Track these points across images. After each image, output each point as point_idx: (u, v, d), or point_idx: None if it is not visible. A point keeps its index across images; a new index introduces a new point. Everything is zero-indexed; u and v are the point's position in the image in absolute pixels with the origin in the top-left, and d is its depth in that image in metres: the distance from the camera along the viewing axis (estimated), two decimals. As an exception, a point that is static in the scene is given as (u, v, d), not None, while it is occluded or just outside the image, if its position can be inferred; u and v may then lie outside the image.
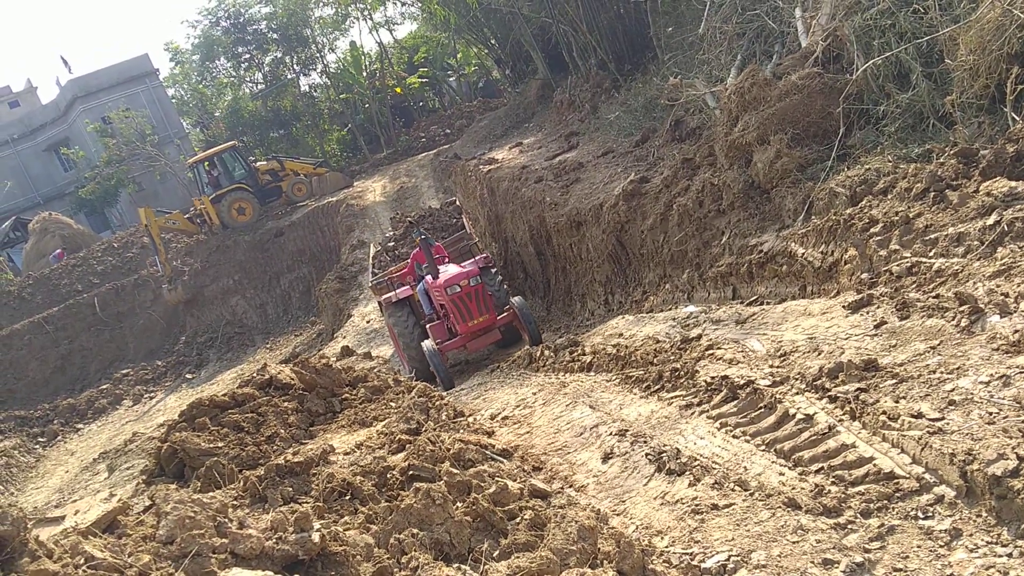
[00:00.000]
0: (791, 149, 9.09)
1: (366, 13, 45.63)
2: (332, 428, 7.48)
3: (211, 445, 6.88)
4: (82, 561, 2.54)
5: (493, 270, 14.61)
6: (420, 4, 34.34)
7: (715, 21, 12.51)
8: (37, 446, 23.74)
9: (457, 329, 13.06)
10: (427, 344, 12.87)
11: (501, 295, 14.01)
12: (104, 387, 27.46)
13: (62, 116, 52.37)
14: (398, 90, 46.78)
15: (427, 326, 13.85)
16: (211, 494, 3.71)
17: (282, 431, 7.38)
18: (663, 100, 14.08)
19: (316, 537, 3.20)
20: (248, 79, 48.89)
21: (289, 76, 47.58)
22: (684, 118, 13.27)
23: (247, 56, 46.48)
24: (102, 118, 45.29)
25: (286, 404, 7.70)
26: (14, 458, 22.09)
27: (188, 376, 27.54)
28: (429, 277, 13.88)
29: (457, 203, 20.23)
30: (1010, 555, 3.23)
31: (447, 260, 14.71)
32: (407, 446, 6.16)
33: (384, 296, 14.72)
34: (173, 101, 51.37)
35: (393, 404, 7.49)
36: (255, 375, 8.12)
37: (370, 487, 5.43)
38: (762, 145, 9.40)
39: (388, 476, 5.64)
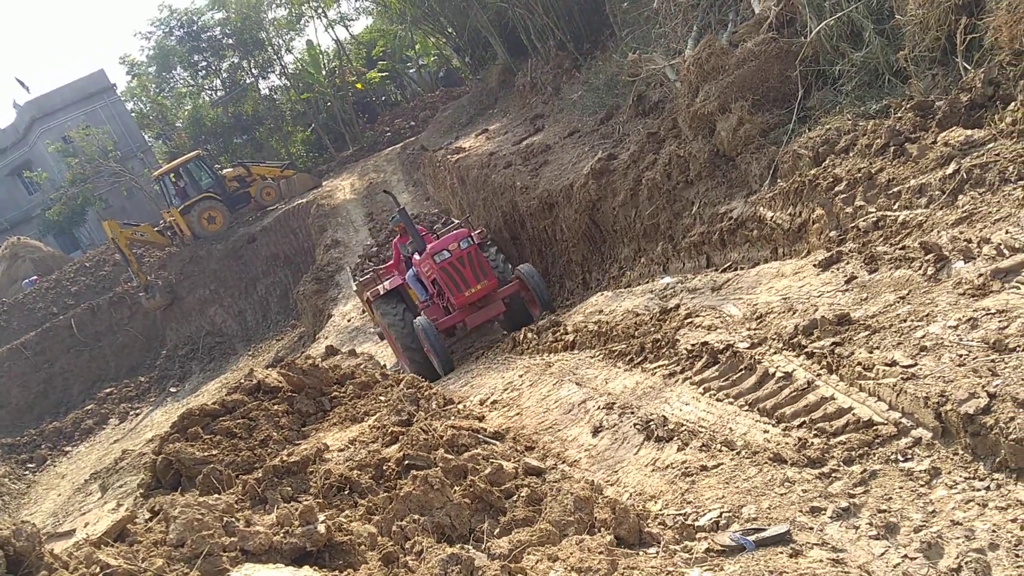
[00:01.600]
0: (752, 115, 9.22)
1: (320, 11, 45.37)
2: (324, 427, 7.56)
3: (206, 453, 6.95)
4: (98, 570, 2.62)
5: (493, 248, 14.05)
6: (374, -2, 34.12)
7: (669, -6, 12.61)
8: (27, 472, 23.65)
9: (453, 302, 11.93)
10: (420, 320, 11.67)
11: (505, 272, 13.17)
12: (89, 408, 27.36)
13: (22, 139, 51.70)
14: (359, 86, 46.55)
15: (424, 312, 12.68)
16: (216, 496, 3.80)
17: (275, 434, 7.45)
18: (624, 76, 14.18)
19: (322, 528, 3.31)
20: (207, 87, 48.46)
21: (248, 80, 47.23)
22: (646, 93, 13.37)
23: (204, 64, 46.07)
24: (63, 137, 44.79)
25: (276, 407, 7.78)
26: (5, 486, 22.01)
27: (172, 389, 27.48)
28: (416, 256, 12.80)
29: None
30: (987, 488, 3.37)
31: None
32: (400, 437, 6.26)
33: (371, 291, 13.57)
34: (133, 115, 50.84)
35: (383, 398, 7.58)
36: (243, 381, 8.18)
37: (367, 480, 5.53)
38: (724, 114, 9.52)
39: (384, 468, 5.75)
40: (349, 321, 20.87)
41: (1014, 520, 3.15)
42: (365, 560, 3.32)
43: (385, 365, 12.33)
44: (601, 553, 3.12)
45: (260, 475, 5.38)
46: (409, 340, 12.12)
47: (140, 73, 47.40)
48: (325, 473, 5.52)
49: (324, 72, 45.60)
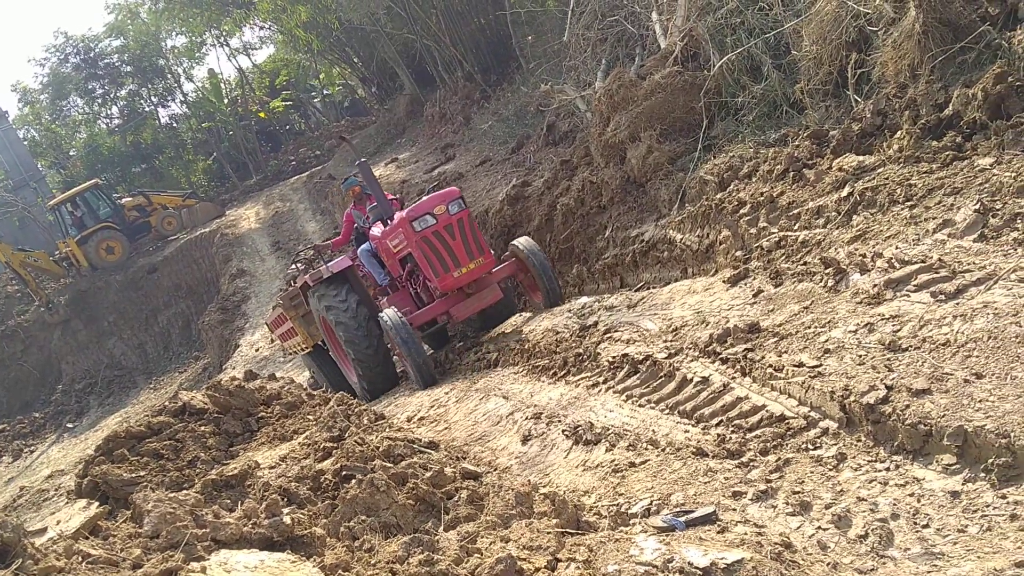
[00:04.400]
0: (661, 144, 9.76)
1: (222, 40, 44.97)
2: (252, 446, 7.62)
3: (134, 475, 6.93)
4: (80, 560, 2.76)
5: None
6: (280, 28, 34.08)
7: (578, 29, 13.16)
8: (-88, 515, 22.49)
9: (436, 286, 9.16)
10: (388, 315, 8.85)
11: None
12: (-21, 446, 26.25)
13: (-92, 170, 49.37)
14: (262, 115, 46.21)
15: (382, 302, 10.09)
16: (184, 492, 3.93)
17: (202, 454, 7.47)
18: (534, 107, 14.68)
19: (288, 519, 3.49)
20: (103, 115, 47.39)
21: (147, 108, 46.36)
22: (556, 123, 13.87)
23: (101, 91, 45.06)
24: (-49, 167, 43.10)
25: (203, 428, 7.79)
26: None
27: (69, 425, 26.59)
28: (377, 228, 10.04)
29: None
30: (888, 469, 3.78)
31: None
32: (333, 452, 6.40)
33: (302, 280, 10.64)
34: (26, 143, 49.20)
35: (311, 417, 7.69)
36: (168, 403, 8.17)
37: (306, 491, 5.67)
38: (634, 142, 10.04)
39: (322, 480, 5.89)
40: (257, 351, 20.71)
41: (911, 495, 3.55)
42: (328, 548, 3.51)
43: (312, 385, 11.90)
44: (549, 533, 3.39)
45: (199, 488, 5.46)
46: (363, 343, 9.42)
47: (33, 100, 46.02)
48: (264, 485, 5.63)
49: (226, 101, 45.14)
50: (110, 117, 47.58)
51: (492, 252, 9.62)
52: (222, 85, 45.82)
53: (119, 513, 6.13)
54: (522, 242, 9.80)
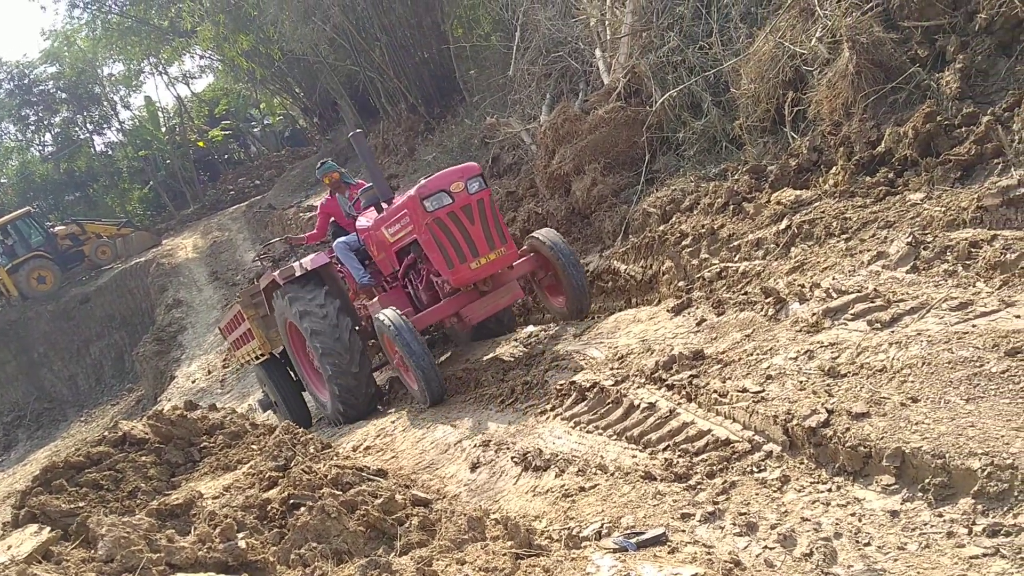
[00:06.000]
0: (605, 177, 9.95)
1: (161, 68, 44.52)
2: (195, 477, 7.51)
3: (72, 505, 6.79)
4: (33, 585, 2.72)
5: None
6: (221, 58, 33.88)
7: (523, 63, 13.38)
8: None
9: (447, 280, 7.69)
10: (387, 315, 7.37)
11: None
12: (-101, 481, 25.21)
13: None
14: (200, 144, 45.77)
15: (363, 305, 8.81)
16: (138, 516, 3.88)
17: (143, 485, 7.34)
18: (478, 139, 14.83)
19: (243, 544, 3.48)
20: (37, 141, 46.47)
21: (82, 136, 45.56)
22: (501, 155, 14.02)
23: (34, 118, 44.18)
24: None
25: (144, 458, 7.66)
26: None
27: (-4, 459, 25.79)
28: (366, 218, 8.62)
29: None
30: (830, 490, 3.91)
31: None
32: (279, 481, 6.35)
33: (270, 278, 9.21)
34: (-46, 170, 48.03)
35: (256, 446, 7.62)
36: (107, 433, 8.02)
37: (252, 520, 5.62)
38: (579, 175, 10.22)
39: (268, 509, 5.85)
40: (194, 382, 20.35)
41: (853, 514, 3.68)
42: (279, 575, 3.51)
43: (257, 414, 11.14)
44: (504, 555, 3.44)
45: (143, 517, 5.38)
46: (344, 359, 8.23)
47: (-38, 127, 44.96)
48: (209, 515, 5.57)
49: (164, 129, 44.61)
50: (43, 144, 46.75)
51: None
52: (160, 113, 45.30)
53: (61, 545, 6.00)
54: (544, 233, 8.17)
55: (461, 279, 7.60)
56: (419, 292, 8.42)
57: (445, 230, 7.43)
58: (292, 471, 6.27)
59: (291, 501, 5.70)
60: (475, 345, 9.63)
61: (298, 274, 8.58)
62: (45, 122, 44.86)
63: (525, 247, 8.37)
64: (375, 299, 8.57)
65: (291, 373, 10.77)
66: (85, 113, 44.79)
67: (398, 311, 7.45)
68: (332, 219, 9.81)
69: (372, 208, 8.58)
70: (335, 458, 6.78)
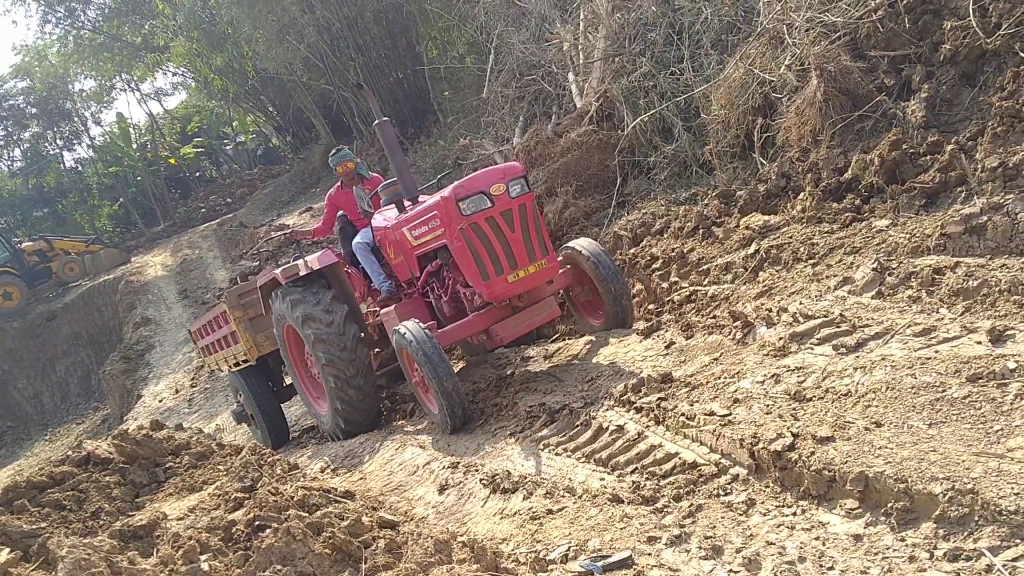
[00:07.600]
0: (577, 199, 10.01)
1: (133, 85, 44.28)
2: (160, 497, 7.42)
3: (34, 526, 6.68)
4: (-12, 608, 2.67)
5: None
6: (194, 75, 33.77)
7: (497, 86, 13.46)
8: None
9: (480, 293, 6.89)
10: (409, 328, 6.61)
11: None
12: None
13: None
14: (172, 161, 45.49)
15: (377, 315, 7.94)
16: (100, 538, 3.82)
17: (107, 505, 7.25)
18: (452, 160, 14.87)
19: (206, 567, 3.44)
20: (5, 157, 45.98)
21: (51, 151, 45.14)
22: (473, 176, 14.06)
23: (3, 133, 43.75)
24: None
25: (108, 478, 7.57)
26: None
27: (-44, 478, 25.29)
28: (381, 217, 7.84)
29: None
30: (795, 513, 3.94)
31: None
32: (245, 502, 6.29)
33: (270, 275, 8.50)
34: (-80, 184, 47.35)
35: (222, 467, 7.54)
36: (71, 452, 7.92)
37: (217, 542, 5.55)
38: (551, 197, 10.27)
39: (233, 530, 5.78)
40: (161, 402, 20.11)
41: (817, 538, 3.70)
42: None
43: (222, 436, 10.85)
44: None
45: (106, 539, 5.31)
46: (349, 370, 7.66)
47: (-71, 140, 44.42)
48: (174, 536, 5.50)
49: (135, 146, 44.30)
50: (12, 159, 46.24)
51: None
52: (131, 130, 44.99)
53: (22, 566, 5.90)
54: (582, 243, 7.39)
55: (496, 293, 6.84)
56: (441, 303, 7.60)
57: (482, 237, 6.66)
58: (258, 492, 6.22)
59: (256, 523, 5.64)
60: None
61: (303, 274, 7.99)
62: (14, 137, 44.43)
63: (560, 259, 7.54)
64: (389, 308, 7.67)
65: (270, 382, 10.18)
66: (55, 129, 44.41)
67: (421, 324, 6.67)
68: (340, 212, 8.89)
69: (392, 206, 7.87)
70: (302, 479, 6.73)
